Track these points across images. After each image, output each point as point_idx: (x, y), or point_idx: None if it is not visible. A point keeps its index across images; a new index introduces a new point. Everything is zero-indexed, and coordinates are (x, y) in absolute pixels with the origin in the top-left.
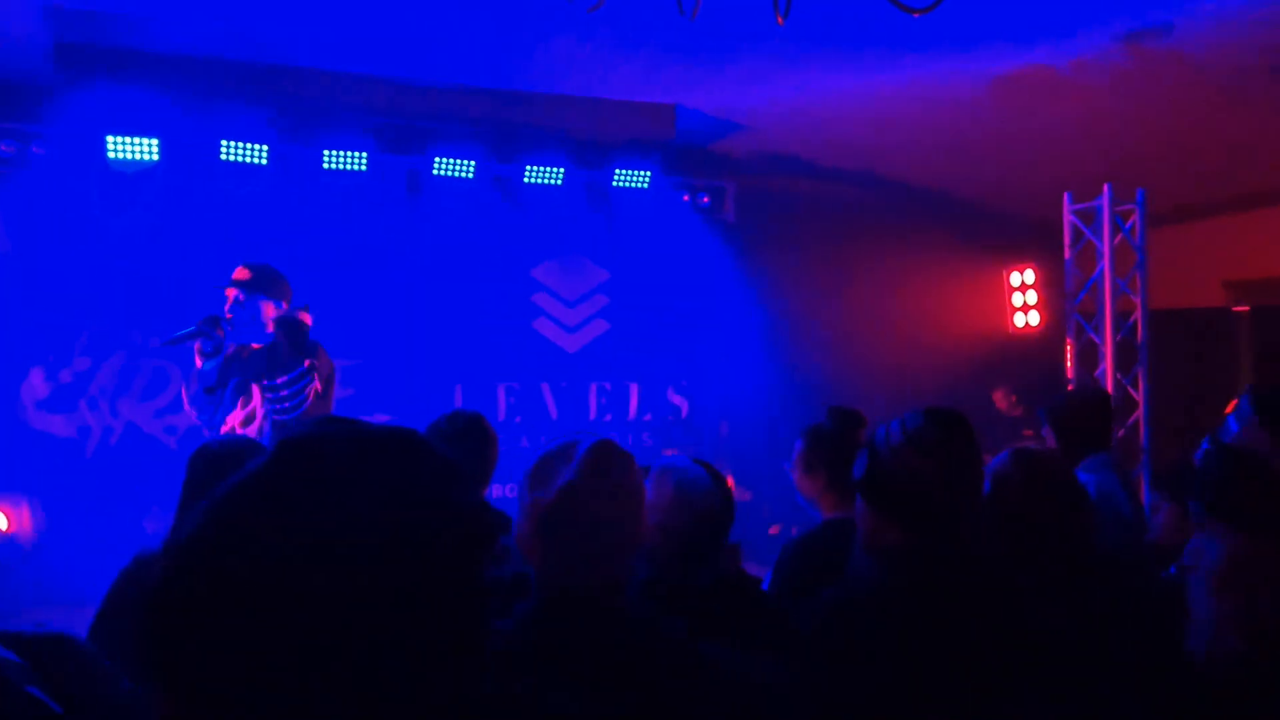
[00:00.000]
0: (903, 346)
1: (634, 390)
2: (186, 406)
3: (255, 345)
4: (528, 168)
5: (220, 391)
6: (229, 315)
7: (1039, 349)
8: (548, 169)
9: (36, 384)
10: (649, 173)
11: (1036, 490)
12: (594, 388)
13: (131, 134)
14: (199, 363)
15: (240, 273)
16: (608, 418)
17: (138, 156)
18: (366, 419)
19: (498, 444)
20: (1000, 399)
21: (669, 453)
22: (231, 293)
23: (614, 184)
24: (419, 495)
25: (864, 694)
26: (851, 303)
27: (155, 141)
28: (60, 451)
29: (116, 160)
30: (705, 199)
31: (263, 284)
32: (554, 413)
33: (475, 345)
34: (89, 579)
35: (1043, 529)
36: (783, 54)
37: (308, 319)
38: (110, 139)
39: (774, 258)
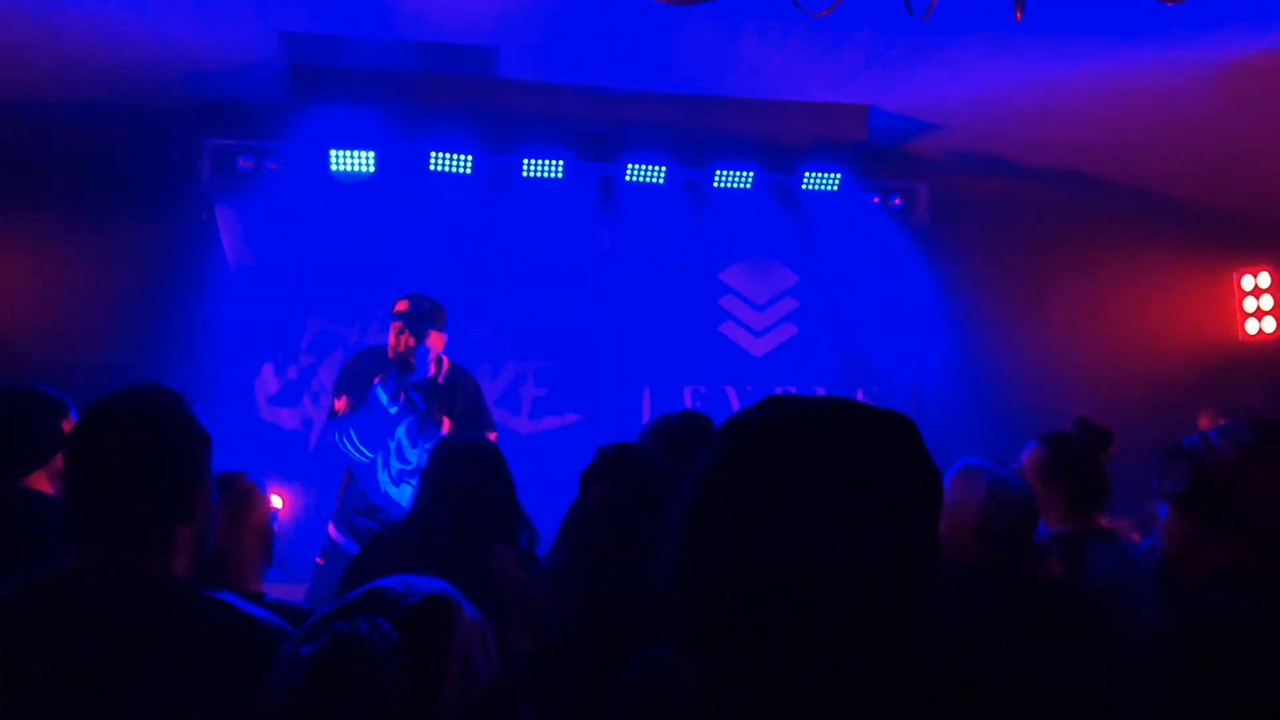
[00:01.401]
0: (1109, 356)
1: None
2: (354, 441)
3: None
4: (717, 172)
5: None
6: (411, 359)
7: (1274, 358)
8: (737, 173)
9: (268, 379)
10: (840, 175)
11: None
12: (780, 392)
13: (351, 148)
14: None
15: (418, 305)
16: None
17: (356, 169)
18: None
19: None
20: (1206, 421)
21: None
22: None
23: (803, 187)
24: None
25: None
26: (1052, 309)
27: (371, 154)
28: (287, 442)
29: (338, 172)
30: (897, 201)
31: (435, 316)
32: None
33: (663, 348)
34: (308, 561)
35: None
36: (985, 48)
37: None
38: (333, 153)
39: (969, 262)
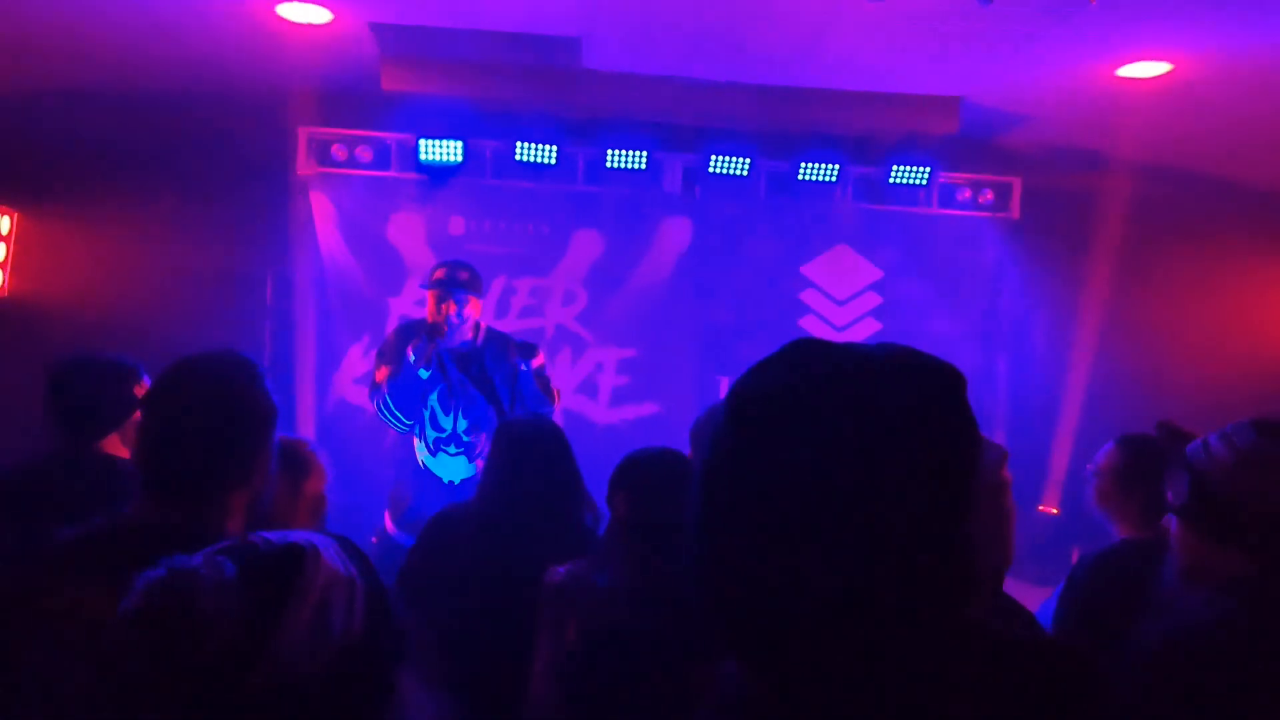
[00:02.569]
0: (1210, 359)
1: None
2: (391, 406)
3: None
4: (802, 164)
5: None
6: (444, 324)
7: None
8: (822, 165)
9: (354, 361)
10: (928, 168)
11: None
12: None
13: (439, 137)
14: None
15: (455, 271)
16: None
17: (444, 158)
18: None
19: None
20: None
21: None
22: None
23: (890, 180)
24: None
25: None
26: (1150, 309)
27: (459, 144)
28: (371, 423)
29: (426, 161)
30: (988, 195)
31: (474, 283)
32: None
33: (743, 340)
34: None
35: None
36: (1085, 34)
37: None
38: (422, 142)
39: (1062, 258)
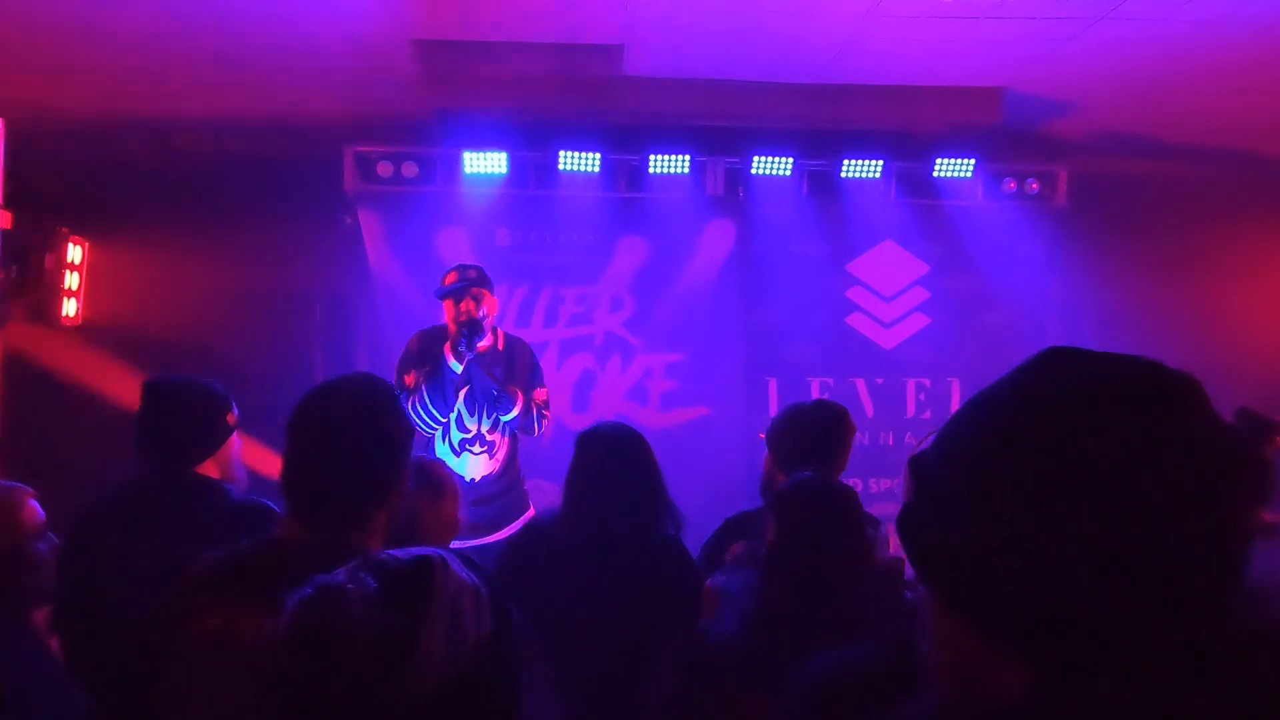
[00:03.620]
0: (1270, 346)
1: (955, 387)
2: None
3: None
4: (845, 162)
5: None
6: (481, 323)
7: None
8: (865, 162)
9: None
10: (973, 160)
11: None
12: (912, 384)
13: (484, 149)
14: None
15: (466, 272)
16: (926, 415)
17: (489, 170)
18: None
19: (854, 435)
20: None
21: None
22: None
23: (935, 174)
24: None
25: None
26: (1205, 296)
27: (504, 156)
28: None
29: (472, 174)
30: (1034, 185)
31: (484, 280)
32: (869, 410)
33: (790, 340)
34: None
35: None
36: (1129, 16)
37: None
38: (466, 155)
39: (1112, 247)
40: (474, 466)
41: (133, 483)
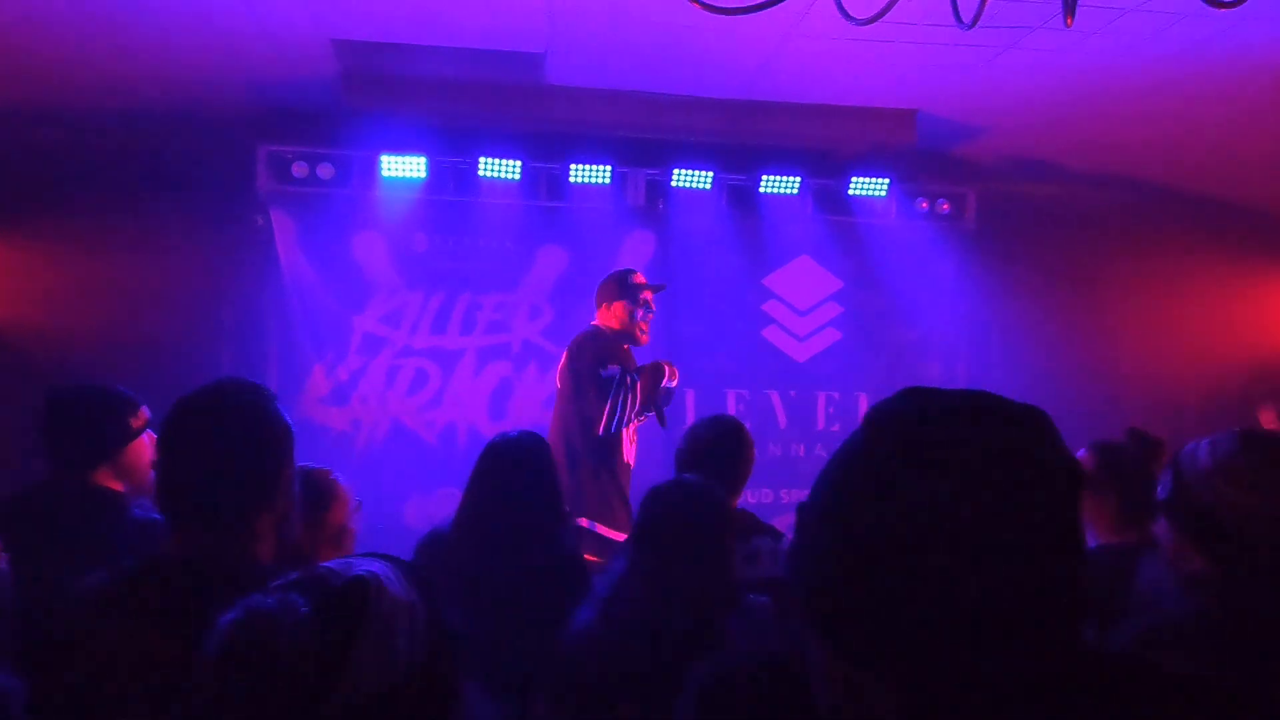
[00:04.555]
0: (1164, 362)
1: (863, 401)
2: (634, 406)
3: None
4: (764, 177)
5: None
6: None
7: None
8: (783, 178)
9: (318, 381)
10: (887, 180)
11: None
12: (823, 397)
13: (403, 153)
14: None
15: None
16: (835, 427)
17: (407, 174)
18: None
19: (753, 449)
20: (1268, 416)
21: None
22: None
23: (850, 192)
24: (1016, 452)
25: None
26: (1104, 315)
27: (423, 160)
28: (335, 443)
29: (389, 178)
30: (945, 206)
31: None
32: (782, 421)
33: (708, 352)
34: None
35: None
36: (1037, 49)
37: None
38: (384, 158)
39: (1019, 268)
40: (631, 452)
41: (20, 491)
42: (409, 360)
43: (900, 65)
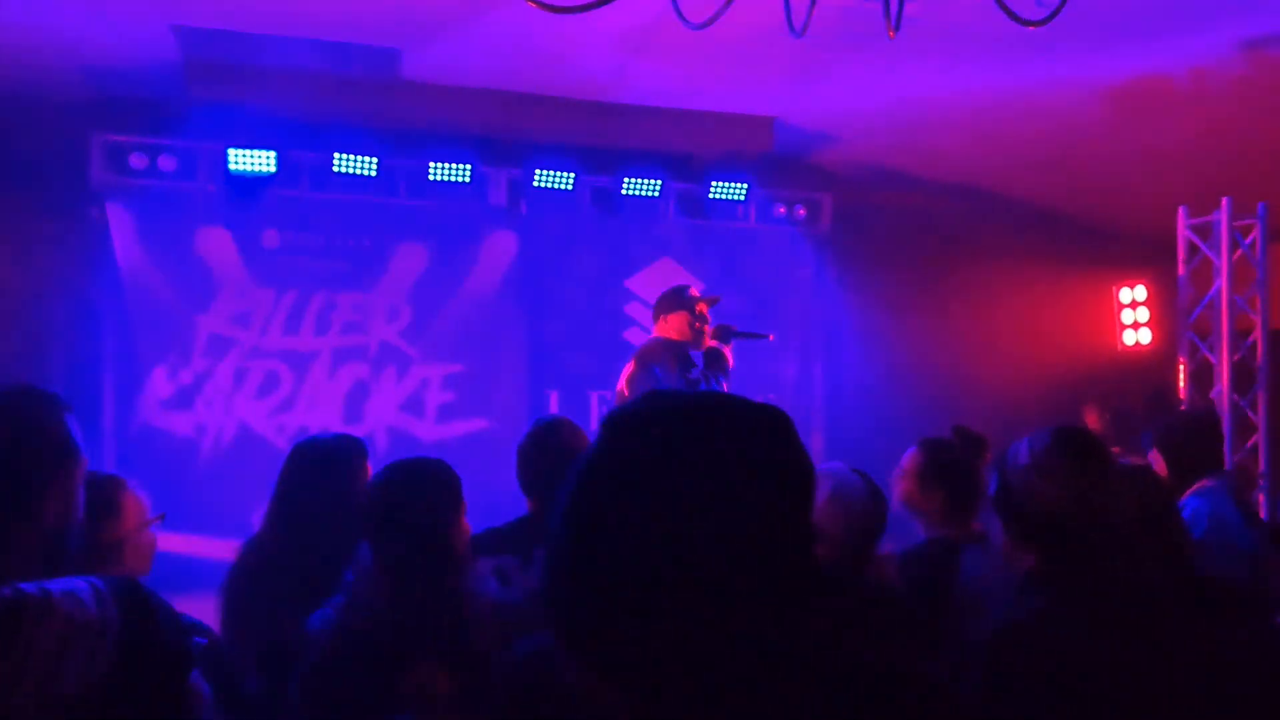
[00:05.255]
0: (1004, 364)
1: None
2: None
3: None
4: (625, 179)
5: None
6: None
7: (1150, 368)
8: (645, 181)
9: (159, 384)
10: (746, 185)
11: (1128, 506)
12: None
13: (251, 147)
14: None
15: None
16: None
17: (256, 168)
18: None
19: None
20: (1092, 417)
21: None
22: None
23: (710, 196)
24: (742, 452)
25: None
26: (951, 319)
27: (272, 154)
28: (180, 449)
29: (236, 171)
30: (802, 211)
31: None
32: None
33: (570, 353)
34: (201, 569)
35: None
36: (885, 63)
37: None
38: (231, 151)
39: (871, 272)
40: None
41: None
42: (259, 362)
43: (757, 73)
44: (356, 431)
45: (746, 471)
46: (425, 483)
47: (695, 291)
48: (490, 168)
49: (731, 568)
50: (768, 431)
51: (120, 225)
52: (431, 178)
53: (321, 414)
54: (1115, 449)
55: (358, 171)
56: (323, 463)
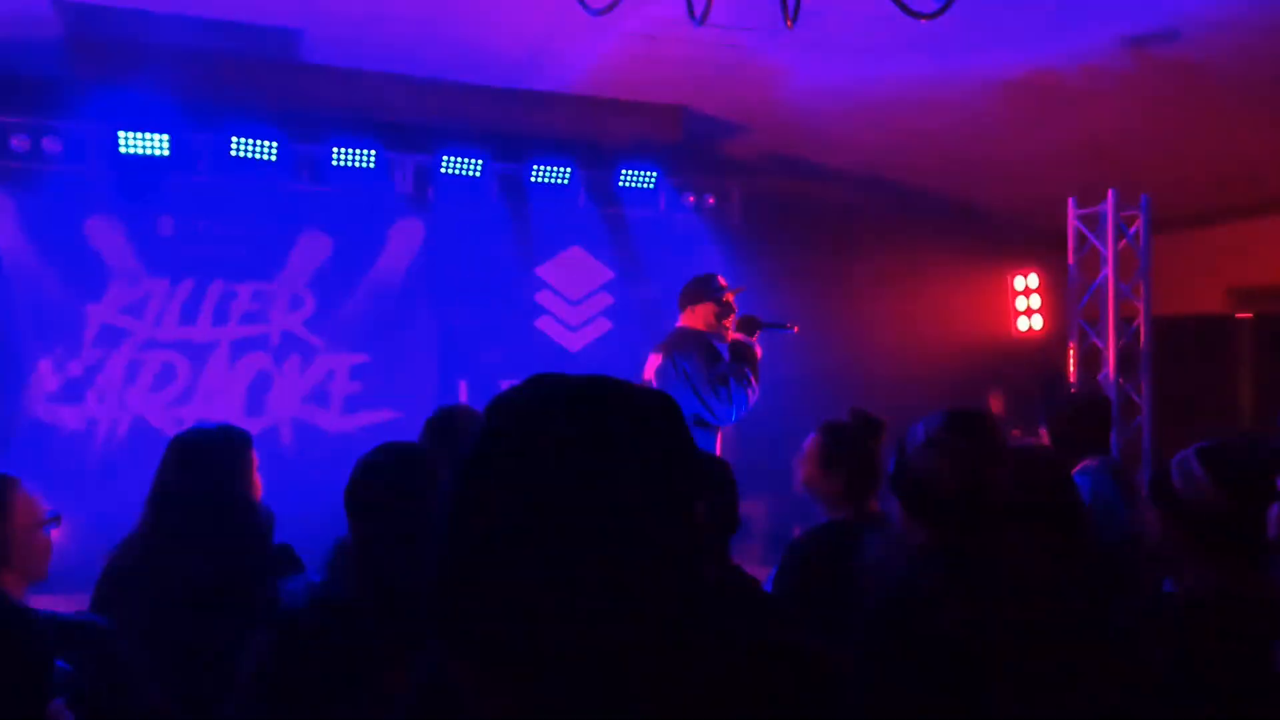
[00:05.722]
0: (906, 349)
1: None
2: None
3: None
4: (534, 167)
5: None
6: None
7: (1042, 353)
8: (554, 168)
9: (45, 376)
10: (655, 173)
11: (1024, 483)
12: None
13: (142, 129)
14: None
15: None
16: None
17: (148, 151)
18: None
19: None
20: (996, 401)
21: None
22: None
23: (620, 184)
24: (627, 439)
25: (889, 690)
26: (856, 305)
27: (165, 137)
28: (70, 444)
29: (128, 154)
30: (710, 200)
31: None
32: None
33: (479, 342)
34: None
35: (1032, 521)
36: (788, 56)
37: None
38: (122, 134)
39: (779, 260)
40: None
41: None
42: (153, 353)
43: (665, 62)
44: (259, 424)
45: (630, 458)
46: (411, 466)
47: (723, 281)
48: (396, 154)
49: (616, 554)
50: (652, 418)
51: (1, 211)
52: (335, 163)
53: (221, 406)
54: (1015, 431)
55: (257, 156)
56: (203, 456)
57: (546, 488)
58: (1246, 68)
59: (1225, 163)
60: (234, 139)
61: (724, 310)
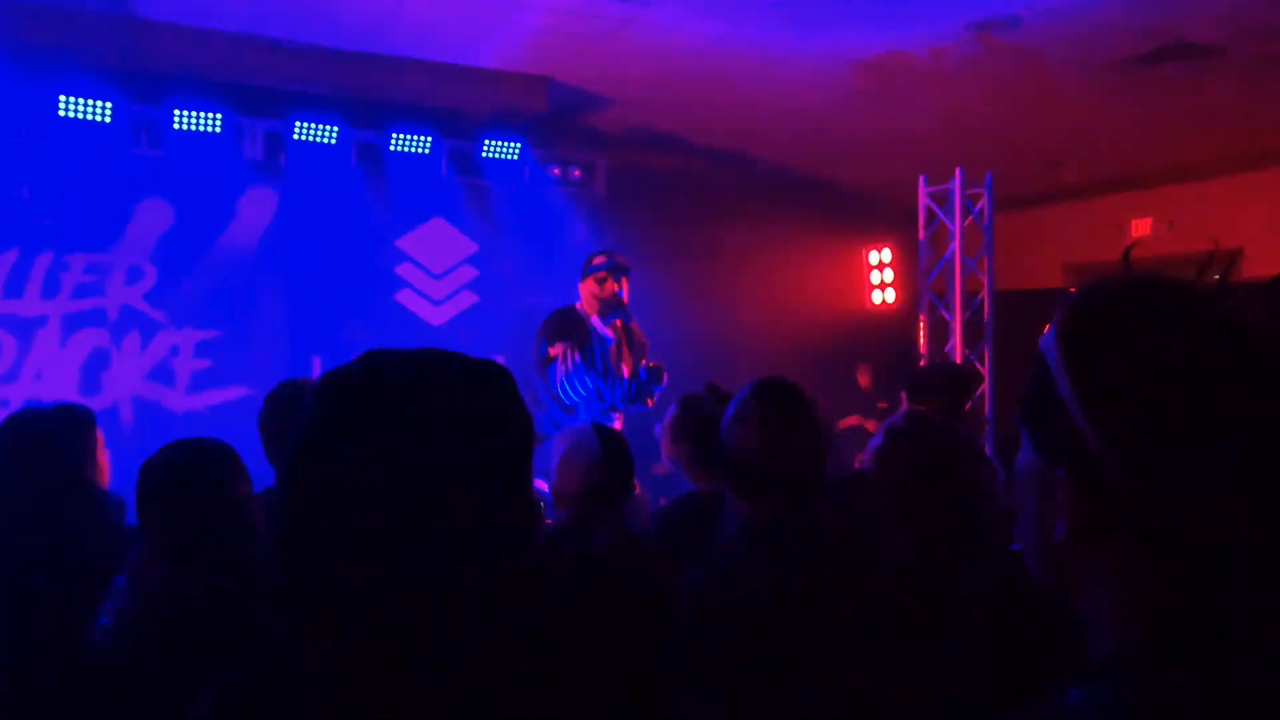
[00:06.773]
0: (768, 322)
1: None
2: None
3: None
4: (394, 135)
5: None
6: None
7: (895, 325)
8: (415, 137)
9: None
10: (519, 144)
11: (927, 447)
12: None
13: None
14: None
15: (614, 257)
16: None
17: None
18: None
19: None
20: (864, 376)
21: None
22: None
23: (483, 155)
24: (461, 405)
25: (718, 659)
26: (720, 279)
27: None
28: None
29: None
30: (576, 173)
31: (628, 268)
32: None
33: (337, 316)
34: None
35: (934, 486)
36: (654, 28)
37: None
38: None
39: (643, 234)
40: None
41: None
42: None
43: (529, 30)
44: (97, 403)
45: (463, 425)
46: (207, 459)
47: (600, 259)
48: (245, 118)
49: (448, 523)
50: (485, 385)
51: None
52: (177, 126)
53: (52, 385)
54: (882, 404)
55: (88, 117)
56: (40, 438)
57: (377, 458)
58: (1083, 54)
59: (1063, 145)
60: (61, 98)
61: (598, 285)
